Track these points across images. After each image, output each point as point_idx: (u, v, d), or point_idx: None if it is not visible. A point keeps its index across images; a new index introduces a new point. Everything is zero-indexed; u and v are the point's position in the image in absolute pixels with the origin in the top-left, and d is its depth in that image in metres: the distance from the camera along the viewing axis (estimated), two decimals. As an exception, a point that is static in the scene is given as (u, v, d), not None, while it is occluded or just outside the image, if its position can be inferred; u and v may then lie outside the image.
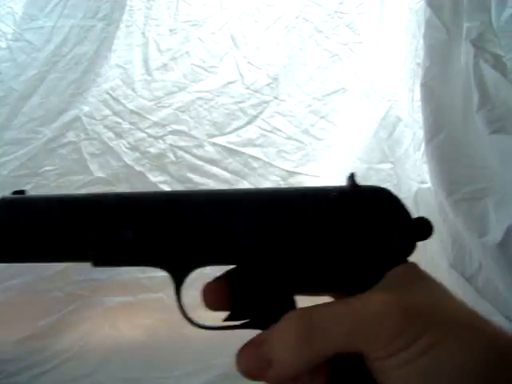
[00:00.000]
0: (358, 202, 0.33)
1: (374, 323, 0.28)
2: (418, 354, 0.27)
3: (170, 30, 0.78)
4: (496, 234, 0.61)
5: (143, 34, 0.77)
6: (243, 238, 0.33)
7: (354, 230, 0.33)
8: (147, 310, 0.74)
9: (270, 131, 0.78)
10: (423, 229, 0.33)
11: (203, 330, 0.33)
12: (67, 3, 0.74)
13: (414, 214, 0.33)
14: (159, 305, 0.73)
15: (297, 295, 0.33)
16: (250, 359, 0.30)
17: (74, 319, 0.73)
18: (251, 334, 0.31)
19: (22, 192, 0.37)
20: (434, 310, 0.29)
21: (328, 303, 0.31)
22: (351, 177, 0.34)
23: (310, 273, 0.33)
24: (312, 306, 0.31)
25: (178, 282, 0.34)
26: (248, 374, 0.30)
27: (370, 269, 0.32)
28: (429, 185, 0.74)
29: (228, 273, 0.34)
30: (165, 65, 0.78)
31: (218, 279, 0.34)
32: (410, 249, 0.33)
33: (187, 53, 0.78)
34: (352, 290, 0.31)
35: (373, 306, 0.29)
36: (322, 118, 0.79)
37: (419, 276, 0.32)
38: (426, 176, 0.75)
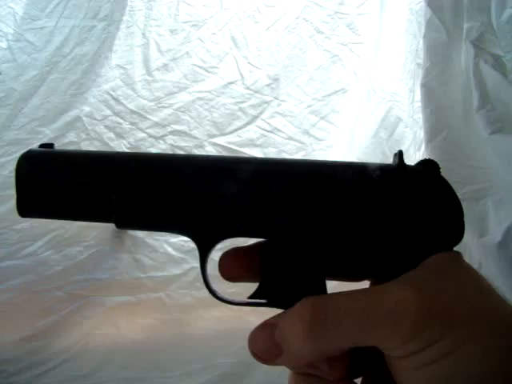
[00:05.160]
0: (403, 183, 0.30)
1: (389, 320, 0.25)
2: (433, 359, 0.25)
3: (171, 31, 0.78)
4: (496, 234, 0.61)
5: (144, 34, 0.77)
6: (276, 214, 0.30)
7: (396, 212, 0.29)
8: (147, 310, 0.74)
9: (271, 131, 0.78)
10: None
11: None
12: (68, 4, 0.75)
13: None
14: (159, 305, 0.73)
15: (330, 279, 0.31)
16: (260, 342, 0.28)
17: (74, 319, 0.73)
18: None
19: (50, 145, 0.34)
20: (458, 310, 0.26)
21: (347, 292, 0.28)
22: (399, 154, 0.31)
23: (344, 255, 0.30)
24: (329, 294, 0.28)
25: (204, 252, 0.31)
26: (258, 358, 0.28)
27: (410, 255, 0.29)
28: (429, 185, 0.74)
29: (257, 245, 0.31)
30: (165, 65, 0.78)
31: (238, 249, 0.32)
32: (458, 236, 0.30)
33: (188, 53, 0.78)
34: (389, 277, 0.28)
35: (390, 302, 0.26)
36: (322, 118, 0.79)
37: (458, 267, 0.28)
38: (426, 176, 0.75)
